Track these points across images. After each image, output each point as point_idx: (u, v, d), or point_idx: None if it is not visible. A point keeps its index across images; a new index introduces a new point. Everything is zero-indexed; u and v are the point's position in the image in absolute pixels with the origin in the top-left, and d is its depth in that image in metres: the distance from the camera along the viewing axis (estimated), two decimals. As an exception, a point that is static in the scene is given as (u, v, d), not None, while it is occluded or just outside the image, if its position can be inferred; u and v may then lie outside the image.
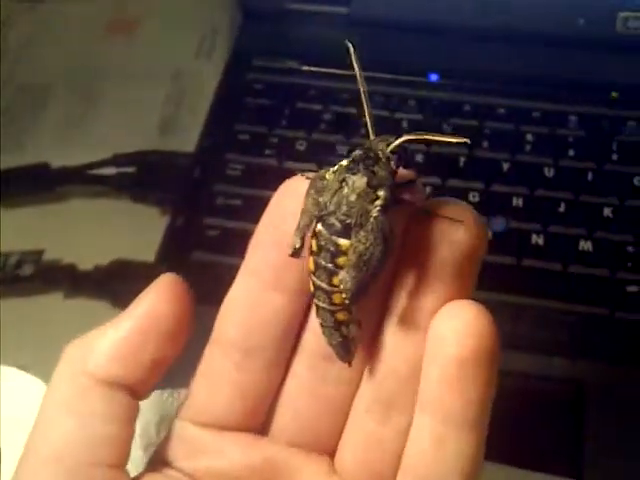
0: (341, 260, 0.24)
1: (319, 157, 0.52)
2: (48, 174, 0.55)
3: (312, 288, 0.25)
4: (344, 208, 0.24)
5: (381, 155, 0.24)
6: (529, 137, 0.53)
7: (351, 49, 0.24)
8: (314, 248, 0.24)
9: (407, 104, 0.55)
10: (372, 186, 0.24)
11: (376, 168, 0.24)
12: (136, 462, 0.29)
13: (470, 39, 0.57)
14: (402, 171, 0.25)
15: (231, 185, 0.52)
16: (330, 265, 0.24)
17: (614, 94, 0.55)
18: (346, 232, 0.24)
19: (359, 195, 0.24)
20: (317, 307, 0.25)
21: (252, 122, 0.55)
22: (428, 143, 0.51)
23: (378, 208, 0.24)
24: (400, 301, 0.25)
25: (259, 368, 0.27)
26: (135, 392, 0.26)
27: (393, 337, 0.26)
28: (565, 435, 0.42)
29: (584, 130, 0.53)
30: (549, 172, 0.51)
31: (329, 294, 0.24)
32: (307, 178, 0.26)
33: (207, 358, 0.28)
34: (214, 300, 0.44)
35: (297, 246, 0.24)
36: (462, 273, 0.25)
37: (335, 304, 0.25)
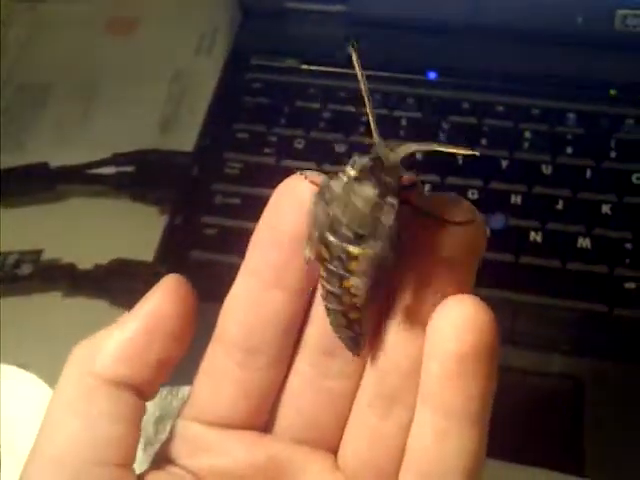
0: (352, 266, 0.24)
1: (318, 156, 0.52)
2: (47, 173, 0.55)
3: (323, 292, 0.25)
4: (355, 218, 0.24)
5: (389, 164, 0.24)
6: (528, 135, 0.53)
7: (353, 49, 0.24)
8: (325, 256, 0.24)
9: (406, 102, 0.55)
10: (381, 195, 0.23)
11: (384, 177, 0.23)
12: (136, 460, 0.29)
13: (469, 37, 0.57)
14: (405, 174, 0.24)
15: (230, 184, 0.52)
16: (341, 271, 0.24)
17: (612, 92, 0.55)
18: (357, 240, 0.24)
19: (370, 205, 0.23)
20: (327, 309, 0.25)
21: (251, 121, 0.55)
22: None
23: (390, 217, 0.23)
24: (402, 297, 0.25)
25: (262, 366, 0.27)
26: (141, 392, 0.26)
27: (395, 332, 0.26)
28: (564, 431, 0.42)
29: (583, 128, 0.53)
30: (547, 169, 0.51)
31: (340, 297, 0.25)
32: (305, 177, 0.25)
33: (209, 357, 0.28)
34: (213, 298, 0.44)
35: (310, 256, 0.24)
36: (462, 269, 0.25)
37: (346, 304, 0.25)
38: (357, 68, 0.24)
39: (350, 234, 0.24)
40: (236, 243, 0.48)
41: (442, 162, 0.51)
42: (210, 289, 0.46)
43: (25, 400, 0.41)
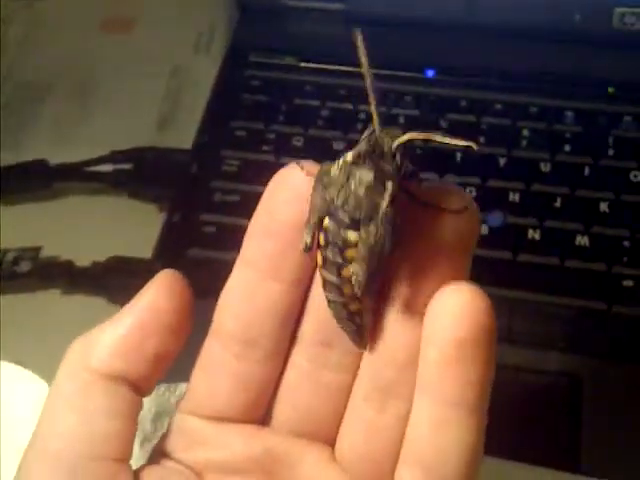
0: (350, 253, 0.24)
1: (316, 153, 0.52)
2: (46, 171, 0.55)
3: (322, 282, 0.25)
4: (352, 202, 0.24)
5: (387, 149, 0.24)
6: (526, 132, 0.53)
7: (359, 39, 0.24)
8: (322, 243, 0.24)
9: (404, 100, 0.55)
10: (379, 180, 0.24)
11: (382, 162, 0.24)
12: (132, 457, 0.29)
13: (467, 35, 0.57)
14: (405, 164, 0.25)
15: (228, 181, 0.52)
16: (339, 259, 0.24)
17: (611, 89, 0.55)
18: (354, 225, 0.24)
19: (367, 189, 0.23)
20: (328, 300, 0.25)
21: (249, 118, 0.55)
22: (434, 143, 0.51)
23: (386, 201, 0.23)
24: (398, 287, 0.25)
25: (259, 359, 0.27)
26: (138, 388, 0.26)
27: (391, 323, 0.26)
28: (562, 429, 0.42)
29: (581, 125, 0.53)
30: (546, 167, 0.51)
31: (339, 287, 0.25)
32: (301, 167, 0.26)
33: (206, 351, 0.28)
34: (211, 295, 0.44)
35: (308, 242, 0.24)
36: (458, 257, 0.25)
37: (346, 296, 0.25)
38: (362, 57, 0.24)
39: (347, 219, 0.24)
40: (234, 240, 0.48)
41: (440, 159, 0.51)
42: (208, 286, 0.46)
43: (23, 397, 0.41)
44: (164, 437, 0.28)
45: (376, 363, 0.26)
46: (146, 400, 0.27)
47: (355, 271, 0.24)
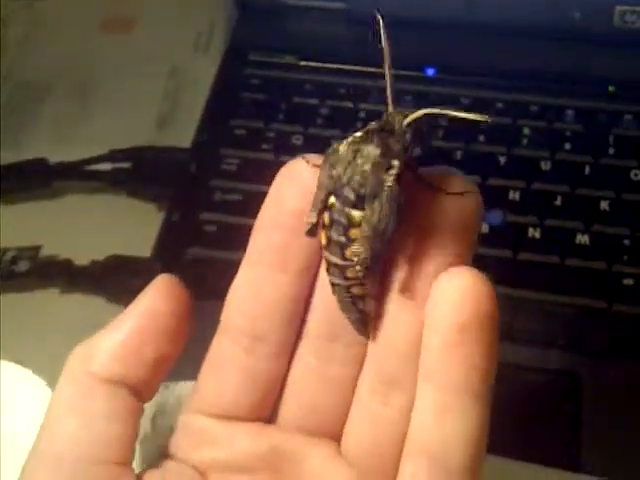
0: (353, 233, 0.24)
1: (315, 152, 0.52)
2: (45, 170, 0.55)
3: (325, 264, 0.25)
4: (357, 178, 0.23)
5: (397, 127, 0.24)
6: (526, 131, 0.53)
7: (380, 20, 0.24)
8: (326, 222, 0.24)
9: (404, 99, 0.55)
10: (385, 156, 0.23)
11: (390, 140, 0.24)
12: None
13: (467, 33, 0.57)
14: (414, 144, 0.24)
15: (227, 180, 0.52)
16: (342, 238, 0.24)
17: (611, 88, 0.55)
18: (359, 203, 0.24)
19: (373, 165, 0.23)
20: (332, 284, 0.25)
21: (249, 117, 0.55)
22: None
23: (392, 177, 0.23)
24: (399, 272, 0.25)
25: (267, 354, 0.27)
26: (138, 392, 0.27)
27: (393, 311, 0.26)
28: (562, 427, 0.42)
29: (581, 124, 0.53)
30: (546, 166, 0.51)
31: (342, 269, 0.24)
32: (307, 161, 0.26)
33: (215, 348, 0.28)
34: (211, 295, 0.44)
35: (313, 221, 0.24)
36: (460, 242, 0.25)
37: (349, 279, 0.25)
38: (383, 39, 0.24)
39: (352, 196, 0.24)
40: (234, 239, 0.48)
41: (440, 158, 0.51)
42: (208, 286, 0.46)
43: (23, 396, 0.41)
44: (171, 437, 0.28)
45: (379, 354, 0.26)
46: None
47: (357, 250, 0.24)
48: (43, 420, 0.26)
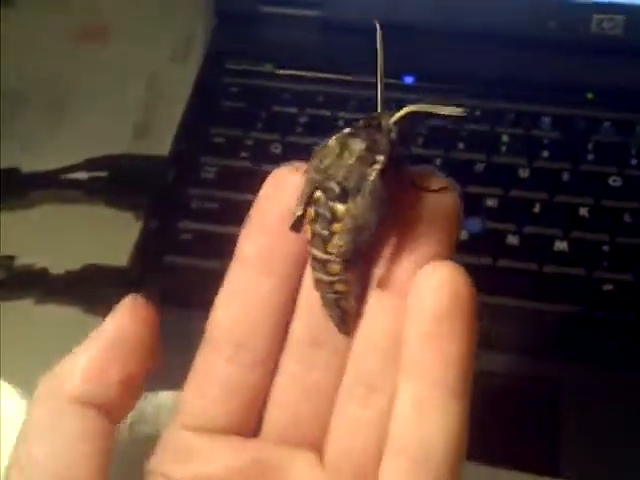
0: (336, 227, 0.24)
1: (294, 160, 0.52)
2: (19, 179, 0.54)
3: (310, 260, 0.25)
4: (342, 171, 0.24)
5: (384, 124, 0.24)
6: (504, 138, 0.53)
7: (378, 29, 0.26)
8: (312, 216, 0.24)
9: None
10: (371, 151, 0.24)
11: (377, 136, 0.24)
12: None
13: (445, 41, 0.57)
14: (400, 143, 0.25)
15: (205, 188, 0.51)
16: (325, 232, 0.24)
17: (589, 95, 0.55)
18: (344, 197, 0.24)
19: (357, 158, 0.24)
20: (315, 280, 0.25)
21: (227, 125, 0.55)
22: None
23: (375, 172, 0.24)
24: (380, 269, 0.25)
25: (250, 363, 0.27)
26: (108, 412, 0.26)
27: (374, 310, 0.26)
28: (541, 433, 0.42)
29: (559, 131, 0.53)
30: (524, 173, 0.51)
31: (324, 263, 0.25)
32: (296, 169, 0.26)
33: (197, 361, 0.28)
34: (188, 304, 0.44)
35: (298, 214, 0.25)
36: (439, 239, 0.25)
37: (331, 274, 0.25)
38: (379, 47, 0.26)
39: (337, 188, 0.24)
40: (212, 247, 0.48)
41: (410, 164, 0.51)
42: (185, 294, 0.46)
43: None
44: (148, 448, 0.28)
45: (358, 352, 0.26)
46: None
47: (337, 242, 0.24)
48: (16, 441, 0.26)
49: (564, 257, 0.47)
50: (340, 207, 0.24)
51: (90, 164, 0.54)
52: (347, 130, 0.25)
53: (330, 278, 0.25)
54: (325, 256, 0.24)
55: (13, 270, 0.49)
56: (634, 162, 0.51)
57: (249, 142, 0.54)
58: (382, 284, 0.25)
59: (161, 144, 0.55)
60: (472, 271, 0.47)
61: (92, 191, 0.53)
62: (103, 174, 0.53)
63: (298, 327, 0.27)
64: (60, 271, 0.49)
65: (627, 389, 0.43)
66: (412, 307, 0.24)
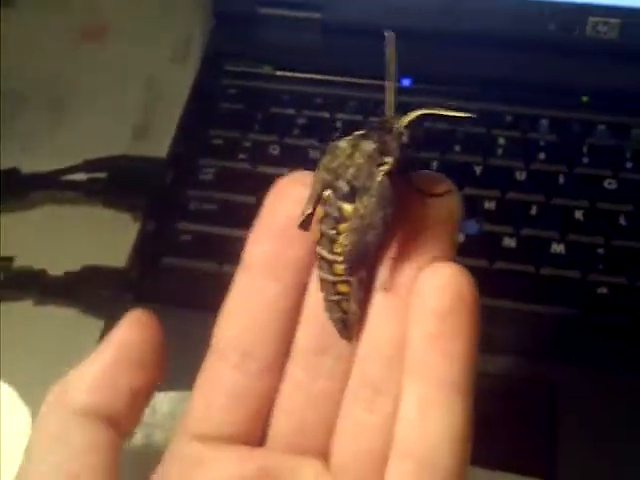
0: (343, 227, 0.24)
1: (292, 162, 0.52)
2: (19, 180, 0.54)
3: (317, 260, 0.25)
4: (352, 171, 0.24)
5: (395, 128, 0.25)
6: (501, 141, 0.53)
7: (392, 39, 0.27)
8: (320, 215, 0.25)
9: (380, 109, 0.55)
10: (381, 152, 0.24)
11: (387, 138, 0.25)
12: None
13: (442, 44, 0.57)
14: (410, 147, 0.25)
15: (204, 190, 0.51)
16: (332, 232, 0.25)
17: (585, 98, 0.55)
18: (352, 196, 0.24)
19: (367, 158, 0.24)
20: (321, 280, 0.26)
21: (225, 127, 0.55)
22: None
23: (383, 172, 0.24)
24: (385, 276, 0.26)
25: (256, 370, 0.27)
26: (116, 424, 0.27)
27: (378, 313, 0.26)
28: (538, 436, 0.42)
29: (555, 134, 0.54)
30: (521, 175, 0.51)
31: (330, 263, 0.25)
32: (302, 177, 0.26)
33: (204, 370, 0.28)
34: (187, 305, 0.44)
35: (308, 212, 0.25)
36: (441, 241, 0.25)
37: (336, 274, 0.25)
38: (392, 55, 0.27)
39: (346, 187, 0.24)
40: (210, 249, 0.48)
41: (416, 168, 0.51)
42: (184, 296, 0.46)
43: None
44: (160, 463, 0.28)
45: (363, 357, 0.26)
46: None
47: (342, 241, 0.24)
48: (23, 453, 0.26)
49: (560, 259, 0.47)
50: (348, 207, 0.24)
51: (89, 165, 0.54)
52: (359, 132, 0.25)
53: (335, 278, 0.25)
54: (331, 256, 0.25)
55: (12, 271, 0.49)
56: (629, 165, 0.52)
57: (247, 144, 0.54)
58: (386, 287, 0.25)
59: (160, 145, 0.55)
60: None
61: (91, 192, 0.53)
62: (102, 175, 0.53)
63: (303, 334, 0.27)
64: (59, 272, 0.49)
65: (623, 391, 0.43)
66: (415, 308, 0.25)
